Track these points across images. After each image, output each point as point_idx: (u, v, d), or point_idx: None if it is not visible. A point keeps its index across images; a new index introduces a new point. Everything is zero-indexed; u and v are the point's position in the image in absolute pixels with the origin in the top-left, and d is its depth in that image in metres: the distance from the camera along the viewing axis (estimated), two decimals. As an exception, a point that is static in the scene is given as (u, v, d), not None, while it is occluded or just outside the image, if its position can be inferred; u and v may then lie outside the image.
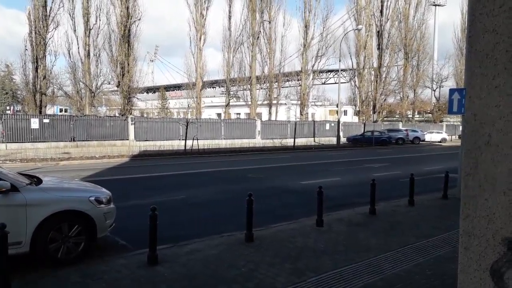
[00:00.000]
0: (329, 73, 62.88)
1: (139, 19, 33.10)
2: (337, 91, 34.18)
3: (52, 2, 30.71)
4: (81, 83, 34.14)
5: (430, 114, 58.21)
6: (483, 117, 1.42)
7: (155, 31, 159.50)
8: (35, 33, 30.35)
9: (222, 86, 45.95)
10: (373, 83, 46.39)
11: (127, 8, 32.24)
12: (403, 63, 48.14)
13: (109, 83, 35.01)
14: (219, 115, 53.64)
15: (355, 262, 5.08)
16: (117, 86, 34.05)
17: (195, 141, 23.14)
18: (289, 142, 31.24)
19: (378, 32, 45.13)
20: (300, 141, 32.50)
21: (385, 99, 48.12)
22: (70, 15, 32.60)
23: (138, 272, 4.67)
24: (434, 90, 55.87)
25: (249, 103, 40.86)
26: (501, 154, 1.38)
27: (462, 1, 55.74)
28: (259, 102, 42.35)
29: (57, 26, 31.12)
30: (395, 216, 7.70)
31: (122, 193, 9.10)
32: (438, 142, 40.14)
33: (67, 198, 5.14)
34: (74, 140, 25.53)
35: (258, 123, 35.30)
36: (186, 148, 23.14)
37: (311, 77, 43.18)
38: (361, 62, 44.72)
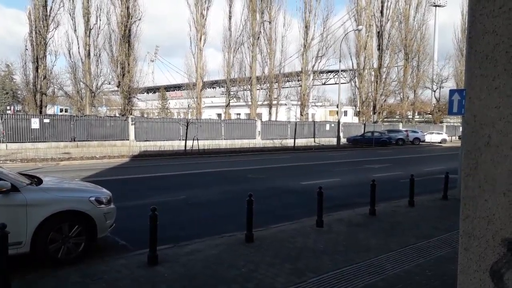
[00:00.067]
0: (329, 73, 62.86)
1: (140, 19, 33.15)
2: (337, 91, 34.22)
3: (53, 2, 30.77)
4: (81, 83, 34.15)
5: (430, 115, 58.21)
6: (483, 118, 1.42)
7: (155, 31, 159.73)
8: (36, 33, 30.38)
9: (222, 87, 45.95)
10: (373, 84, 46.40)
11: (128, 8, 32.26)
12: (403, 64, 48.14)
13: (109, 83, 35.01)
14: (219, 115, 53.65)
15: (355, 263, 5.08)
16: (118, 86, 34.06)
17: (195, 142, 23.14)
18: (289, 142, 31.24)
19: (379, 32, 45.13)
20: (300, 142, 32.51)
21: (385, 100, 48.12)
22: (70, 15, 32.64)
23: (138, 272, 4.67)
24: (434, 91, 55.94)
25: (249, 103, 40.87)
26: (501, 155, 1.38)
27: (462, 2, 55.81)
28: (259, 103, 42.35)
29: (57, 26, 31.17)
30: (395, 216, 7.70)
31: (122, 193, 9.11)
32: (438, 143, 40.13)
33: (67, 198, 5.14)
34: (74, 140, 25.54)
35: (258, 123, 35.30)
36: (186, 148, 23.14)
37: (311, 77, 43.19)
38: (361, 62, 44.72)
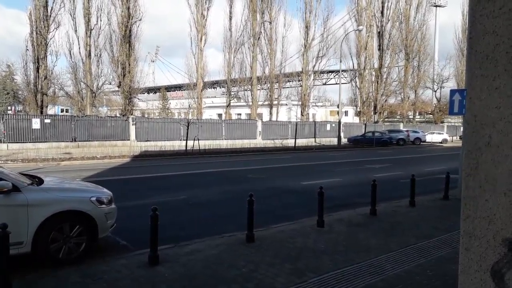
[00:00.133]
0: (330, 73, 62.80)
1: (140, 20, 33.22)
2: (338, 91, 34.22)
3: (53, 2, 30.84)
4: (82, 83, 34.20)
5: (431, 115, 58.16)
6: (483, 118, 1.43)
7: (156, 32, 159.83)
8: (36, 33, 30.43)
9: (223, 87, 45.99)
10: (374, 84, 46.39)
11: (128, 8, 32.30)
12: (404, 64, 48.13)
13: (110, 84, 35.06)
14: (220, 115, 53.65)
15: (356, 263, 5.08)
16: (118, 87, 34.11)
17: (196, 142, 23.15)
18: (290, 142, 31.24)
19: (379, 33, 45.12)
20: (301, 142, 32.50)
21: (386, 100, 48.10)
22: (71, 15, 32.71)
23: (138, 272, 4.68)
24: (435, 91, 55.88)
25: (250, 103, 40.88)
26: (501, 155, 1.38)
27: (463, 2, 55.77)
28: (260, 103, 42.36)
29: (58, 26, 31.25)
30: (395, 216, 7.70)
31: (123, 193, 9.12)
32: (439, 143, 40.10)
33: (68, 198, 5.15)
34: (75, 140, 25.56)
35: (259, 123, 35.31)
36: (187, 148, 23.15)
37: (312, 77, 43.19)
38: (362, 62, 44.72)
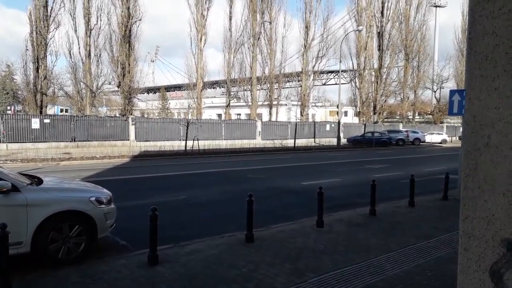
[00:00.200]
0: (330, 74, 62.83)
1: (140, 20, 33.22)
2: (338, 92, 34.23)
3: (53, 2, 30.83)
4: (81, 83, 34.20)
5: (431, 115, 58.22)
6: (482, 118, 1.43)
7: (156, 32, 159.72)
8: (36, 33, 30.41)
9: (222, 87, 46.00)
10: (373, 84, 46.42)
11: (128, 8, 32.30)
12: (404, 64, 48.16)
13: (109, 84, 35.06)
14: (219, 115, 53.67)
15: (356, 263, 5.09)
16: (118, 87, 34.10)
17: (195, 142, 23.15)
18: (290, 142, 31.25)
19: (379, 33, 45.15)
20: (301, 142, 32.51)
21: (385, 100, 48.14)
22: (71, 15, 32.70)
23: (138, 272, 4.68)
24: (435, 91, 55.95)
25: (250, 103, 40.89)
26: (500, 155, 1.39)
27: (462, 2, 55.85)
28: (260, 103, 42.37)
29: (58, 26, 31.23)
30: (395, 216, 7.70)
31: (122, 193, 9.12)
32: (439, 143, 40.13)
33: (67, 198, 5.15)
34: (74, 140, 25.55)
35: (259, 123, 35.31)
36: (187, 148, 23.15)
37: (311, 78, 43.21)
38: (361, 63, 44.74)
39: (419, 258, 5.32)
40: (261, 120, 37.72)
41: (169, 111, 70.62)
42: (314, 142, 36.30)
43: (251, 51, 39.63)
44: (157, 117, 45.68)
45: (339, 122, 33.85)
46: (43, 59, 30.74)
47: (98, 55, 33.46)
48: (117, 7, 32.42)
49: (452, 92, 8.74)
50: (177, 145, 27.01)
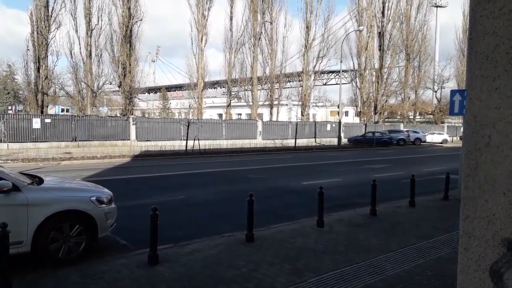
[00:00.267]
0: (331, 74, 62.81)
1: (141, 20, 33.26)
2: (339, 92, 34.22)
3: (54, 2, 30.87)
4: (82, 83, 34.24)
5: (432, 115, 58.18)
6: (483, 118, 1.43)
7: (156, 32, 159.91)
8: (37, 33, 30.45)
9: (223, 87, 46.06)
10: (374, 84, 46.40)
11: (129, 8, 32.33)
12: (405, 64, 48.14)
13: (110, 83, 35.11)
14: (220, 115, 53.65)
15: (356, 263, 5.08)
16: (119, 86, 34.13)
17: (196, 142, 23.15)
18: (290, 142, 31.24)
19: (380, 33, 45.13)
20: (301, 142, 32.50)
21: (386, 100, 48.12)
22: (72, 16, 32.77)
23: (138, 272, 4.68)
24: (436, 91, 55.89)
25: (250, 103, 40.89)
26: (501, 155, 1.39)
27: (463, 2, 55.75)
28: (260, 103, 42.38)
29: (59, 26, 31.28)
30: (395, 217, 7.70)
31: (123, 193, 9.13)
32: (439, 143, 40.10)
33: (68, 198, 5.15)
34: (75, 140, 25.57)
35: (259, 123, 35.32)
36: (188, 148, 23.16)
37: (312, 78, 43.20)
38: (362, 63, 44.73)
39: (419, 258, 5.32)
40: (262, 120, 37.73)
41: (170, 111, 70.64)
42: (315, 142, 36.29)
43: (252, 51, 39.64)
44: (158, 117, 45.71)
45: (339, 122, 33.84)
46: (44, 59, 30.79)
47: (99, 55, 33.54)
48: (118, 7, 32.48)
49: (453, 92, 8.73)
50: (178, 145, 27.03)
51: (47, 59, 31.12)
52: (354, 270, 4.84)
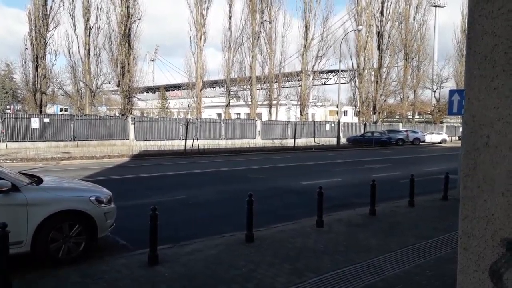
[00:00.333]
0: (329, 73, 62.86)
1: (140, 19, 33.17)
2: (337, 91, 34.23)
3: (53, 1, 30.75)
4: (81, 83, 34.15)
5: (430, 115, 58.24)
6: (481, 118, 1.43)
7: (155, 31, 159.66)
8: (36, 32, 30.36)
9: (222, 86, 45.94)
10: (373, 84, 46.41)
11: (128, 7, 32.27)
12: (403, 64, 48.14)
13: (109, 83, 35.01)
14: (219, 115, 53.65)
15: (355, 263, 5.09)
16: (117, 86, 34.07)
17: (195, 141, 23.14)
18: (289, 142, 31.24)
19: (379, 32, 45.13)
20: (300, 142, 32.50)
21: (385, 100, 48.13)
22: (70, 14, 32.62)
23: (138, 272, 4.68)
24: (434, 91, 55.96)
25: (249, 103, 40.86)
26: (499, 155, 1.39)
27: (462, 2, 55.85)
28: (259, 102, 42.34)
29: (57, 25, 31.16)
30: (395, 217, 7.71)
31: (122, 193, 9.12)
32: (438, 143, 40.14)
33: (67, 197, 5.15)
34: (74, 140, 25.54)
35: (258, 123, 35.31)
36: (186, 148, 23.14)
37: (311, 77, 43.19)
38: (361, 62, 44.72)
39: (419, 258, 5.33)
40: (261, 119, 37.71)
41: (168, 110, 70.60)
42: (314, 141, 36.30)
43: (251, 50, 39.61)
44: (157, 117, 45.66)
45: (338, 122, 33.85)
46: (42, 58, 30.70)
47: (98, 54, 33.43)
48: (116, 6, 32.39)
49: (451, 92, 8.73)
50: (177, 144, 27.01)
51: (45, 58, 31.04)
52: (354, 270, 4.85)
